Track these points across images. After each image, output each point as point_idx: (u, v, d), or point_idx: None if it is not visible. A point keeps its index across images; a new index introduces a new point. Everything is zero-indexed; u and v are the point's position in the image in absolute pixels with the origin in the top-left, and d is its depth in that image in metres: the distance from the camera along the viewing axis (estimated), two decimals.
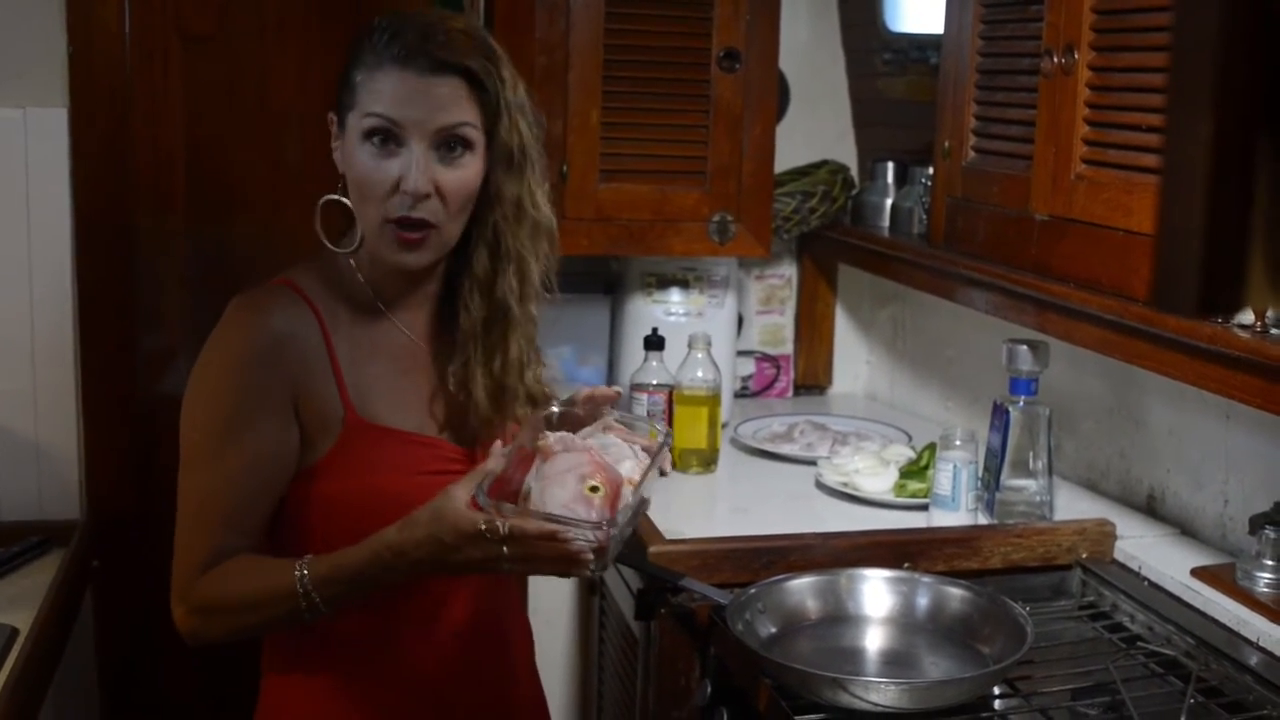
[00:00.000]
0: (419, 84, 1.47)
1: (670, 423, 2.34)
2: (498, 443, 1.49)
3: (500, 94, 1.51)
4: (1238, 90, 0.62)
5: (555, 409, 1.53)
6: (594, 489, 1.39)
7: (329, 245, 1.57)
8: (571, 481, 1.40)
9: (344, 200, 1.55)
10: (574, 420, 1.53)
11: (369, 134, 1.48)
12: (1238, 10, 0.61)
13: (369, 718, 1.58)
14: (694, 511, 2.27)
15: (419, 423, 1.58)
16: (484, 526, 1.35)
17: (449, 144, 1.49)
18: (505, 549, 1.36)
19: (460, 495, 1.37)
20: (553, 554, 1.37)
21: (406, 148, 1.48)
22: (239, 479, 1.49)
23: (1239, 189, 0.62)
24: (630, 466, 1.46)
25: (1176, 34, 0.65)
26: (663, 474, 1.52)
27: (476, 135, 1.51)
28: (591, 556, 1.38)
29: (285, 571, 1.44)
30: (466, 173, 1.51)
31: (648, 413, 2.34)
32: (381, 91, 1.47)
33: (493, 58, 1.52)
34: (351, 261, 1.58)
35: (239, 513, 1.49)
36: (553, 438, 1.45)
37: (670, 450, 1.62)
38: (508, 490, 1.42)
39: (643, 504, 1.48)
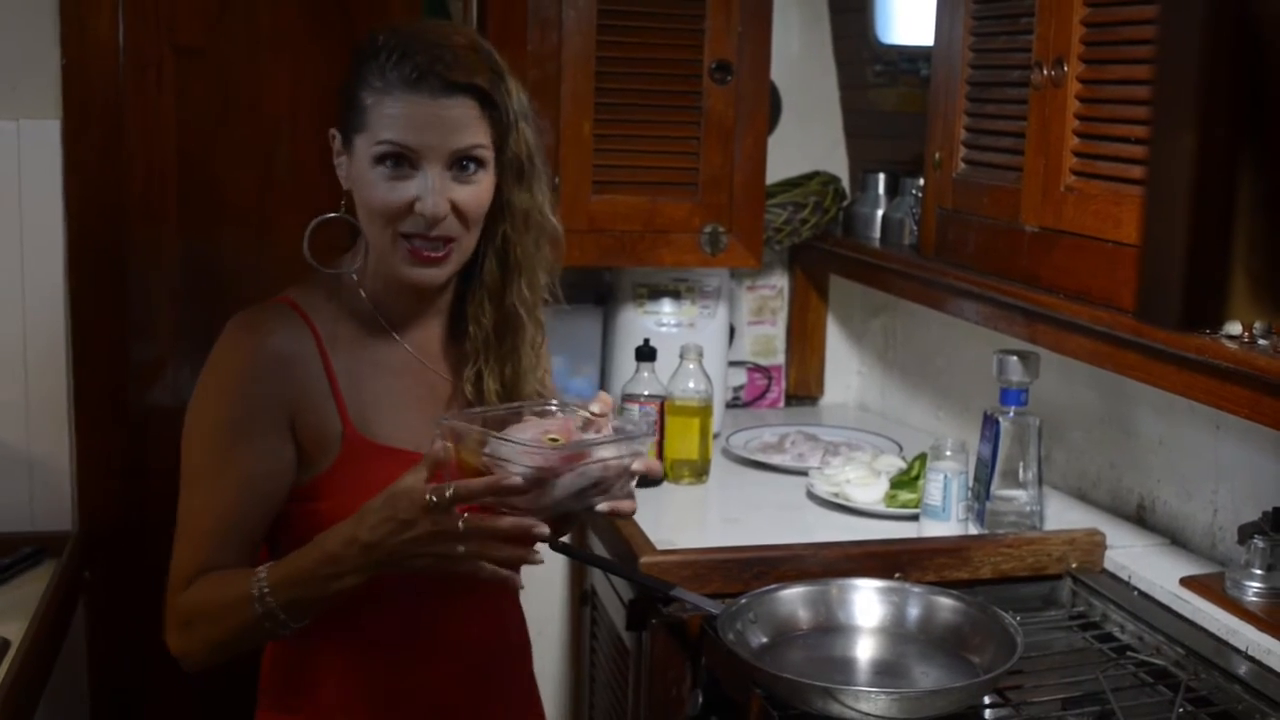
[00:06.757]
0: (432, 107, 1.46)
1: (662, 433, 2.34)
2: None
3: (509, 108, 1.51)
4: (1220, 103, 0.62)
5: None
6: (553, 440, 1.37)
7: (318, 266, 1.56)
8: (531, 429, 1.39)
9: (348, 218, 1.55)
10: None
11: (381, 159, 1.47)
12: (1220, 23, 0.62)
13: None
14: (685, 522, 2.27)
15: (421, 441, 1.57)
16: (431, 496, 1.33)
17: (462, 163, 1.49)
18: (461, 525, 1.34)
19: (413, 478, 1.36)
20: (501, 530, 1.35)
21: (421, 171, 1.47)
22: (230, 496, 1.48)
23: (1221, 202, 0.62)
24: (610, 451, 1.42)
25: (1160, 47, 0.65)
26: (650, 481, 1.50)
27: (488, 153, 1.51)
28: (545, 530, 1.36)
29: (245, 578, 1.43)
30: (480, 188, 1.51)
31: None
32: (394, 117, 1.45)
33: (499, 71, 1.51)
34: (355, 278, 1.57)
35: (228, 530, 1.48)
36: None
37: (650, 447, 1.59)
38: None
39: (601, 483, 1.41)
